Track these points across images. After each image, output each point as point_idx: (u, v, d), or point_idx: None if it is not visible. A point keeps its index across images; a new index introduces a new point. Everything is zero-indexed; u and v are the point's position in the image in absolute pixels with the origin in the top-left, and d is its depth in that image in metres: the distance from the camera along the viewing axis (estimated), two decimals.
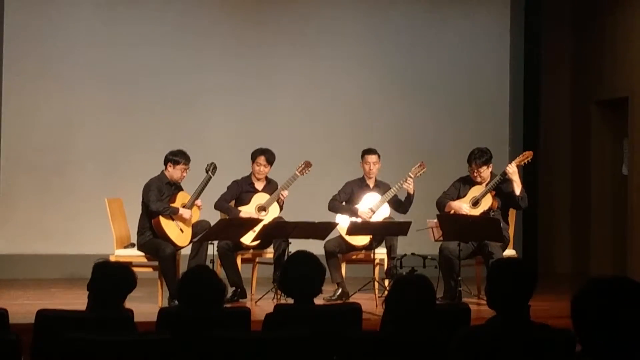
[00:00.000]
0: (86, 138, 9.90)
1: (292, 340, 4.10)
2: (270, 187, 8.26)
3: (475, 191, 7.89)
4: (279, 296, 7.34)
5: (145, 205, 7.79)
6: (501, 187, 7.84)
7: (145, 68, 10.05)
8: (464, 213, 7.77)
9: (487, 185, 7.86)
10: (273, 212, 8.13)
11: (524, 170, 9.51)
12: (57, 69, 9.87)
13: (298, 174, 8.17)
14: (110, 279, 4.44)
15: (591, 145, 10.62)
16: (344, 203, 8.27)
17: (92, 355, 3.88)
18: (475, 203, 7.84)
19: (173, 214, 7.75)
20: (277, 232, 7.74)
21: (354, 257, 8.18)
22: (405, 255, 7.90)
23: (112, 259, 7.42)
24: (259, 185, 8.26)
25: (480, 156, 7.88)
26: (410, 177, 8.03)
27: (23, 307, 6.74)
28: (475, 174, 7.90)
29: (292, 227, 7.60)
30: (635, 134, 9.83)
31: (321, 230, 7.71)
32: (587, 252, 10.62)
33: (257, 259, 8.27)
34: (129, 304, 4.60)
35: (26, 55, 9.81)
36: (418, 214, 7.99)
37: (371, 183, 8.28)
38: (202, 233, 7.65)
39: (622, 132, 10.21)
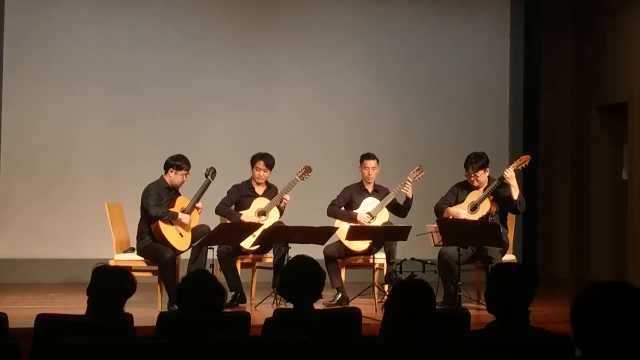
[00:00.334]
0: (86, 142, 9.91)
1: (291, 345, 4.10)
2: (271, 191, 8.27)
3: (473, 196, 7.90)
4: (278, 301, 7.34)
5: (144, 210, 7.79)
6: (499, 192, 7.84)
7: (145, 72, 10.06)
8: (463, 218, 7.77)
9: (484, 190, 7.86)
10: (273, 216, 8.13)
11: (523, 175, 9.52)
12: (58, 73, 9.87)
13: (298, 178, 8.17)
14: (109, 284, 4.43)
15: (591, 150, 10.63)
16: (343, 208, 8.27)
17: None
18: (474, 208, 7.84)
19: (172, 219, 7.75)
20: (277, 236, 7.74)
21: (353, 262, 8.18)
22: (405, 260, 7.90)
23: (112, 263, 7.42)
24: (259, 190, 8.26)
25: (476, 160, 7.89)
26: (409, 181, 8.04)
27: (22, 312, 6.74)
28: (472, 178, 7.90)
29: (292, 232, 7.60)
30: (635, 139, 9.84)
31: (321, 234, 7.72)
32: (586, 257, 10.62)
33: (257, 264, 8.26)
34: (128, 308, 4.60)
35: (26, 58, 9.81)
36: (418, 219, 7.99)
37: (370, 188, 8.28)
38: (201, 237, 7.64)
39: (622, 137, 10.22)
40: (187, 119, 10.10)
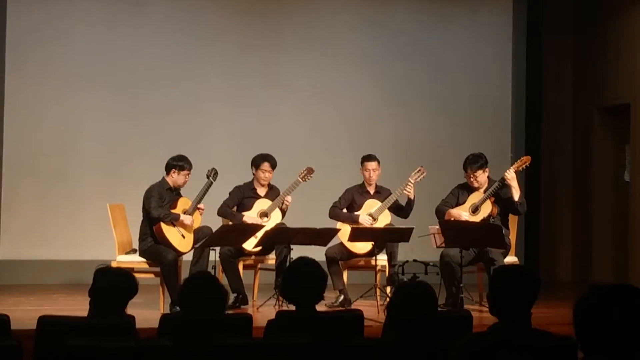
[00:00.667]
0: (88, 143, 9.91)
1: (293, 347, 4.09)
2: (272, 193, 8.26)
3: (474, 198, 7.89)
4: (280, 302, 7.34)
5: (146, 211, 7.79)
6: (500, 193, 7.84)
7: (148, 74, 10.06)
8: (465, 220, 7.77)
9: (485, 191, 7.86)
10: (275, 218, 8.13)
11: (525, 176, 9.52)
12: (60, 74, 9.88)
13: (300, 180, 8.17)
14: (111, 285, 4.43)
15: (593, 152, 10.62)
16: (344, 210, 8.27)
17: None
18: (475, 210, 7.84)
19: (174, 220, 7.75)
20: (279, 238, 7.74)
21: (355, 263, 8.17)
22: (407, 261, 7.89)
23: (114, 264, 7.41)
24: (261, 191, 8.26)
25: (475, 161, 7.90)
26: (410, 182, 8.04)
27: (25, 313, 6.73)
28: (472, 179, 7.91)
29: (294, 233, 7.60)
30: (638, 141, 9.83)
31: (323, 236, 7.72)
32: (589, 259, 10.62)
33: (259, 265, 8.26)
34: (130, 310, 4.61)
35: (29, 59, 9.82)
36: (420, 221, 7.99)
37: (371, 189, 8.28)
38: (203, 239, 7.64)
39: (624, 138, 10.22)
40: (189, 120, 10.11)
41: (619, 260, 10.25)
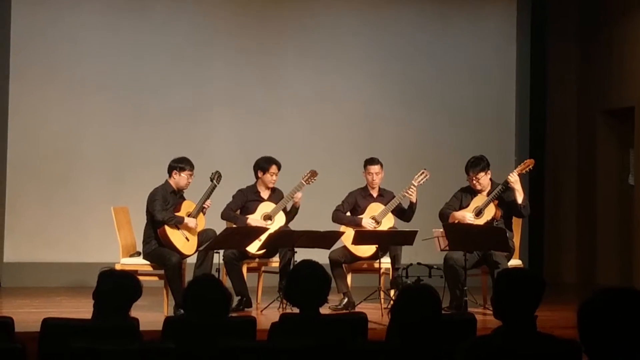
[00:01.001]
0: (92, 147, 9.92)
1: (297, 350, 4.09)
2: (276, 195, 8.27)
3: (477, 201, 7.89)
4: (284, 305, 7.33)
5: (150, 214, 7.79)
6: (503, 197, 7.84)
7: (151, 77, 10.07)
8: (469, 223, 7.76)
9: (489, 194, 7.86)
10: (279, 221, 8.13)
11: (529, 180, 9.51)
12: (64, 78, 9.89)
13: (304, 182, 8.17)
14: (115, 288, 4.44)
15: (597, 155, 10.61)
16: (348, 213, 8.26)
17: None
18: (478, 213, 7.83)
19: (179, 223, 7.75)
20: (283, 241, 7.74)
21: (359, 266, 8.17)
22: (411, 264, 7.88)
23: (118, 267, 7.42)
24: (265, 194, 8.26)
25: (476, 164, 7.90)
26: (414, 185, 8.03)
27: (29, 316, 6.74)
28: (474, 182, 7.91)
29: (298, 236, 7.60)
30: None
31: (327, 239, 7.71)
32: (593, 262, 10.61)
33: (263, 268, 8.26)
34: (134, 312, 4.60)
35: (33, 64, 9.83)
36: (423, 223, 7.98)
37: (374, 192, 8.28)
38: (207, 242, 7.65)
39: (629, 142, 10.21)
40: (192, 123, 10.11)
41: (623, 263, 10.24)
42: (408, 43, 10.64)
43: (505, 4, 10.87)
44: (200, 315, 4.33)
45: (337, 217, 8.23)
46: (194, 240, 7.82)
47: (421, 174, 8.11)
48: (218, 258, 7.68)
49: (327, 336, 4.27)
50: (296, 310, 4.73)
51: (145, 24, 10.11)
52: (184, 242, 7.76)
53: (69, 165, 9.86)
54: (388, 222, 8.12)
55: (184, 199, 7.95)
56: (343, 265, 8.01)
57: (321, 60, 10.44)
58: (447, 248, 7.58)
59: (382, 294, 7.81)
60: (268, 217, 8.11)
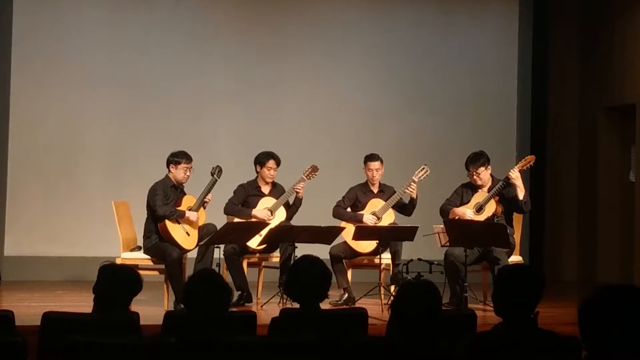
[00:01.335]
0: (93, 141, 9.92)
1: (297, 345, 4.10)
2: (277, 190, 8.27)
3: (478, 197, 7.89)
4: (284, 300, 7.34)
5: (150, 209, 7.79)
6: (504, 193, 7.84)
7: (152, 72, 10.07)
8: (470, 219, 7.76)
9: (490, 190, 7.86)
10: (279, 216, 8.13)
11: (530, 176, 9.50)
12: (65, 73, 9.89)
13: (305, 177, 8.17)
14: (116, 282, 4.44)
15: (598, 152, 10.61)
16: (348, 209, 8.26)
17: (97, 358, 3.88)
18: (479, 209, 7.83)
19: (180, 218, 7.75)
20: (284, 236, 7.75)
21: (359, 262, 8.17)
22: (411, 260, 7.88)
23: (118, 261, 7.42)
24: (265, 189, 8.26)
25: (476, 159, 7.91)
26: (414, 181, 8.03)
27: (29, 309, 6.75)
28: (474, 177, 7.91)
29: (298, 232, 7.61)
30: None
31: (327, 234, 7.71)
32: (594, 259, 10.60)
33: (263, 263, 8.27)
34: (134, 307, 4.61)
35: (34, 58, 9.83)
36: (424, 219, 7.98)
37: (375, 188, 8.28)
38: (208, 236, 7.65)
39: (630, 139, 10.20)
40: (194, 118, 10.12)
41: (624, 260, 10.23)
42: (410, 40, 10.63)
43: (507, 2, 10.86)
44: (201, 310, 4.33)
45: (338, 212, 8.23)
46: (194, 234, 7.82)
47: (421, 170, 8.11)
48: (218, 253, 7.68)
49: (327, 331, 4.27)
50: (296, 305, 4.73)
51: (146, 19, 10.11)
52: (184, 236, 7.77)
53: (69, 159, 9.87)
54: (389, 218, 8.12)
55: (185, 194, 7.95)
56: (343, 260, 8.01)
57: (323, 56, 10.43)
58: (448, 244, 7.58)
59: (382, 289, 7.81)
60: (270, 211, 8.11)
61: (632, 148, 10.22)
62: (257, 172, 8.26)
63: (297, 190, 8.11)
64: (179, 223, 7.76)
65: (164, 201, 7.74)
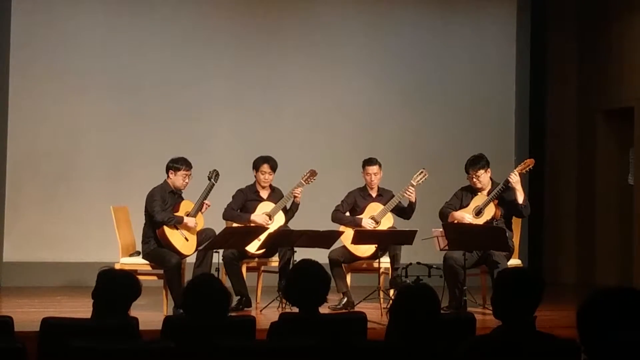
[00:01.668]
0: (92, 146, 9.92)
1: (297, 350, 4.09)
2: (275, 195, 8.27)
3: (477, 200, 7.89)
4: (284, 305, 7.33)
5: (148, 214, 7.79)
6: (504, 196, 7.85)
7: (151, 76, 10.07)
8: (468, 223, 7.76)
9: (489, 194, 7.87)
10: (278, 220, 8.13)
11: (529, 179, 9.51)
12: (64, 76, 9.89)
13: (303, 182, 8.17)
14: (115, 287, 4.44)
15: (597, 155, 10.61)
16: (347, 213, 8.26)
17: None
18: (478, 212, 7.84)
19: (178, 224, 7.75)
20: (283, 240, 7.74)
21: (358, 266, 8.18)
22: (410, 264, 7.88)
23: (117, 267, 7.41)
24: (264, 194, 8.26)
25: (476, 162, 7.92)
26: (412, 185, 8.04)
27: (28, 315, 6.74)
28: (474, 180, 7.91)
29: (297, 236, 7.60)
30: None
31: (326, 238, 7.71)
32: (592, 262, 10.60)
33: (262, 268, 8.26)
34: (133, 312, 4.60)
35: (33, 62, 9.83)
36: (423, 223, 7.98)
37: (374, 192, 8.28)
38: (207, 241, 7.64)
39: (628, 141, 10.21)
40: (192, 122, 10.11)
41: (623, 263, 10.24)
42: (408, 43, 10.64)
43: (505, 4, 10.87)
44: (200, 315, 4.33)
45: (337, 217, 8.24)
46: (193, 240, 7.82)
47: (420, 174, 8.11)
48: (217, 257, 7.68)
49: (326, 336, 4.26)
50: (295, 309, 4.73)
51: (145, 22, 10.11)
52: (183, 242, 7.76)
53: (68, 164, 9.86)
54: (387, 222, 8.12)
55: (183, 199, 7.94)
56: (342, 264, 8.01)
57: (321, 59, 10.44)
58: (447, 248, 7.59)
59: (381, 293, 7.81)
60: (268, 216, 8.11)
61: (630, 151, 10.23)
62: (255, 177, 8.27)
63: (296, 195, 8.11)
64: (177, 229, 7.75)
65: (162, 207, 7.73)
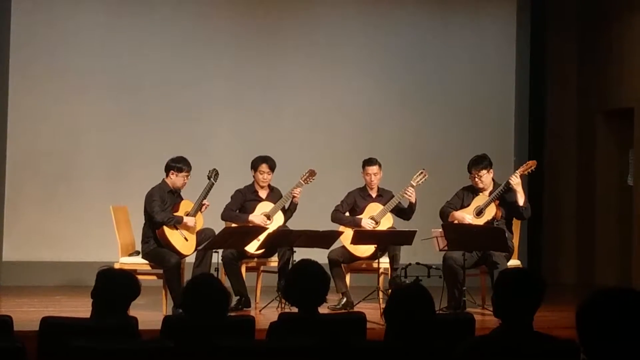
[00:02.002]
0: (92, 145, 9.92)
1: (296, 350, 4.10)
2: (274, 194, 8.27)
3: (478, 200, 7.90)
4: (283, 305, 7.33)
5: (148, 214, 7.78)
6: (505, 197, 7.85)
7: (151, 76, 10.07)
8: (467, 223, 7.77)
9: (490, 194, 7.87)
10: (278, 220, 8.13)
11: (528, 180, 9.50)
12: (63, 76, 9.89)
13: (302, 182, 8.17)
14: (114, 287, 4.44)
15: (597, 156, 10.62)
16: (347, 213, 8.26)
17: None
18: (479, 213, 7.84)
19: (177, 224, 7.74)
20: (282, 240, 7.74)
21: (358, 266, 8.17)
22: (409, 264, 7.89)
23: (117, 266, 7.41)
24: (263, 194, 8.26)
25: (479, 162, 7.92)
26: (412, 185, 8.04)
27: (28, 314, 6.74)
28: (476, 180, 7.91)
29: (296, 236, 7.60)
30: None
31: (326, 239, 7.71)
32: (592, 263, 10.61)
33: (262, 268, 8.26)
34: (133, 311, 4.60)
35: (33, 62, 9.84)
36: (422, 223, 7.99)
37: (373, 193, 8.28)
38: (206, 241, 7.64)
39: (628, 142, 10.21)
40: (192, 122, 10.12)
41: (622, 264, 10.24)
42: (408, 43, 10.64)
43: (505, 5, 10.87)
44: (199, 315, 4.33)
45: (336, 217, 8.24)
46: (192, 239, 7.82)
47: (420, 174, 8.11)
48: (217, 257, 7.68)
49: (326, 336, 4.26)
50: (295, 309, 4.73)
51: (145, 22, 10.11)
52: (182, 242, 7.76)
53: (68, 164, 9.87)
54: (387, 222, 8.12)
55: (182, 199, 7.94)
56: (342, 265, 8.01)
57: (321, 59, 10.44)
58: (446, 248, 7.59)
59: (380, 293, 7.81)
60: (267, 216, 8.11)
61: (630, 152, 10.23)
62: (253, 177, 8.27)
63: (295, 195, 8.11)
64: (176, 229, 7.75)
65: (161, 207, 7.73)
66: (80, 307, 6.29)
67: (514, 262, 7.89)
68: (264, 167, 8.17)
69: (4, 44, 9.76)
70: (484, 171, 7.90)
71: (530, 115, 10.87)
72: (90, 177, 9.87)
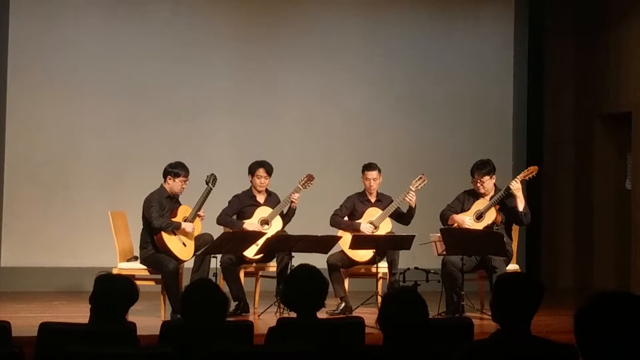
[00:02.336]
0: (90, 150, 9.92)
1: (295, 355, 4.09)
2: (272, 199, 8.26)
3: (479, 205, 7.90)
4: (281, 310, 7.33)
5: (146, 220, 7.78)
6: (505, 202, 7.85)
7: (149, 81, 10.08)
8: (467, 227, 7.77)
9: (491, 199, 7.87)
10: (276, 225, 8.12)
11: (527, 184, 9.51)
12: (62, 82, 9.89)
13: (301, 187, 8.17)
14: (112, 292, 4.43)
15: (594, 160, 10.62)
16: (345, 218, 8.26)
17: None
18: (479, 217, 7.84)
19: (176, 229, 7.74)
20: (280, 245, 7.74)
21: (356, 271, 8.17)
22: (408, 269, 7.89)
23: (115, 271, 7.41)
24: (261, 199, 8.26)
25: (482, 167, 7.92)
26: (412, 190, 8.04)
27: (26, 320, 6.73)
28: (478, 185, 7.91)
29: (295, 241, 7.60)
30: (639, 149, 9.82)
31: (324, 243, 7.71)
32: (590, 267, 10.61)
33: (260, 273, 8.26)
34: (131, 317, 4.61)
35: (31, 67, 9.84)
36: (421, 228, 7.98)
37: (372, 197, 8.28)
38: (204, 246, 7.64)
39: (626, 146, 10.22)
40: (190, 127, 10.12)
41: (620, 268, 10.24)
42: (406, 47, 10.65)
43: (503, 9, 10.89)
44: (198, 320, 4.33)
45: (335, 221, 8.23)
46: (190, 245, 7.81)
47: (419, 179, 8.11)
48: (215, 262, 7.67)
49: (324, 341, 4.27)
50: (293, 314, 4.73)
51: (143, 27, 10.11)
52: (180, 247, 7.76)
53: (66, 169, 9.86)
54: (386, 227, 8.12)
55: (180, 204, 7.94)
56: (340, 269, 8.01)
57: (320, 63, 10.44)
58: (445, 252, 7.59)
59: (379, 298, 7.80)
60: (265, 221, 8.10)
61: (628, 155, 10.23)
62: (251, 182, 8.26)
63: (293, 200, 8.11)
64: (175, 234, 7.75)
65: (159, 213, 7.72)
66: (79, 313, 6.29)
67: (512, 267, 7.89)
68: (261, 171, 8.17)
69: (2, 50, 9.76)
70: (487, 177, 7.90)
71: (529, 119, 10.88)
72: (88, 183, 9.86)
